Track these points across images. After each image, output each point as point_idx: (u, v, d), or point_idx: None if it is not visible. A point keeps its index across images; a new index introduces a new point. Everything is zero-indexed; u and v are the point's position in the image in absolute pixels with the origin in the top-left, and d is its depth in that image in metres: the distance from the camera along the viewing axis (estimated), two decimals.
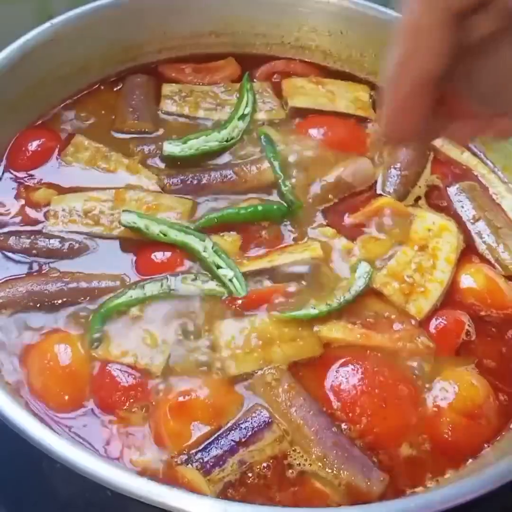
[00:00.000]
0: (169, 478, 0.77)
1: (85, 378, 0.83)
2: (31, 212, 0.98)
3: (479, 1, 0.55)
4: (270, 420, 0.81)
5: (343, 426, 0.82)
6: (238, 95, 1.16)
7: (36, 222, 0.97)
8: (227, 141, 1.08)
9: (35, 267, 0.93)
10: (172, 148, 1.05)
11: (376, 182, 1.07)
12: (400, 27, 0.57)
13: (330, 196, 1.04)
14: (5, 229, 0.96)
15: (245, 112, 1.12)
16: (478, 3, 0.55)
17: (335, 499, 0.77)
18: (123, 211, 0.96)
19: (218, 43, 1.24)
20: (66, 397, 0.82)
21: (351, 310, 0.92)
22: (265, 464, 0.79)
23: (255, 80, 1.21)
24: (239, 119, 1.10)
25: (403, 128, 0.62)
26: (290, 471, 0.79)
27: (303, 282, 0.94)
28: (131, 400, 0.82)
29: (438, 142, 1.14)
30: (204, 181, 1.03)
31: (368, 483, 0.78)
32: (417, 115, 0.60)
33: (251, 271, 0.93)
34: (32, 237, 0.94)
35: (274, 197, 1.03)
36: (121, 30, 1.17)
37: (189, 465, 0.77)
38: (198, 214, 1.00)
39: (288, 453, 0.80)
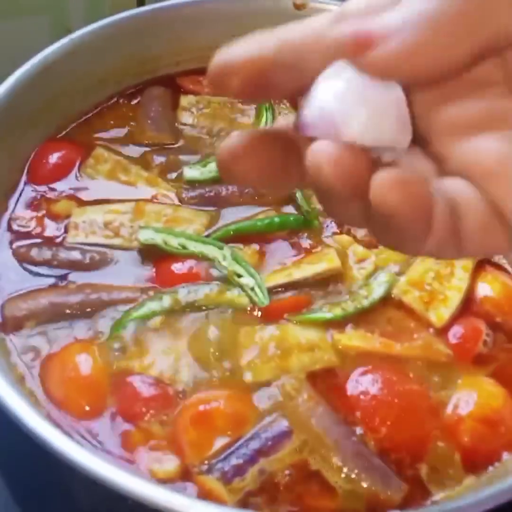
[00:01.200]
0: (190, 488, 0.77)
1: (106, 389, 0.84)
2: (52, 224, 0.99)
3: None
4: (289, 429, 0.82)
5: (363, 435, 0.83)
6: (256, 107, 1.17)
7: (56, 234, 0.98)
8: None
9: (57, 279, 0.94)
10: (192, 173, 1.06)
11: None
12: None
13: None
14: (27, 242, 0.97)
15: None
16: None
17: (354, 507, 0.78)
18: (140, 228, 0.97)
19: None
20: (87, 408, 0.83)
21: (369, 318, 0.93)
22: (285, 473, 0.79)
23: None
24: None
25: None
26: (310, 480, 0.80)
27: (322, 292, 0.95)
28: (152, 411, 0.83)
29: None
30: (222, 194, 1.04)
31: (388, 492, 0.78)
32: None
33: (271, 286, 0.94)
34: (53, 249, 0.96)
35: (291, 209, 1.04)
36: (139, 43, 1.18)
37: (210, 475, 0.78)
38: (216, 227, 1.01)
39: (308, 462, 0.81)
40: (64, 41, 1.09)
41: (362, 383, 0.86)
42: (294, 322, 0.91)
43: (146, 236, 0.96)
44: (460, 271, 0.98)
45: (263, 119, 1.14)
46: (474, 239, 0.45)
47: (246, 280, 0.93)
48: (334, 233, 1.01)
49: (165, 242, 0.96)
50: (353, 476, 0.79)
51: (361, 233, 1.01)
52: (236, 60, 0.47)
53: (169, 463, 0.80)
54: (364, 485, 0.79)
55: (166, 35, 1.19)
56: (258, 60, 0.47)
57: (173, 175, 1.07)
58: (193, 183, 1.05)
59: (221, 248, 0.96)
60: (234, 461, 0.79)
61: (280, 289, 0.94)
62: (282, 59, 0.47)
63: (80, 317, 0.90)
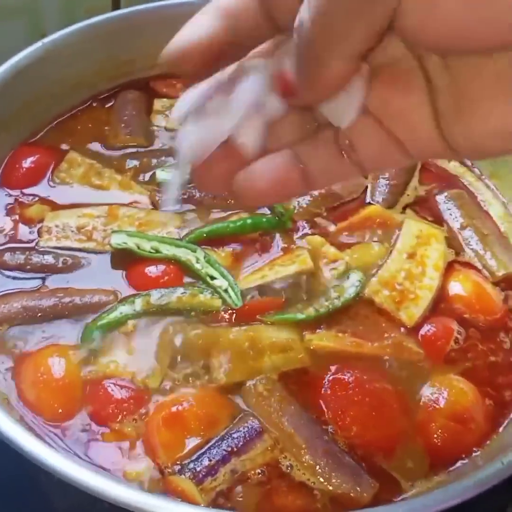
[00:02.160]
0: (163, 488, 0.78)
1: (78, 391, 0.84)
2: (25, 229, 0.99)
3: None
4: (261, 429, 0.82)
5: (334, 433, 0.84)
6: None
7: (29, 238, 0.99)
8: None
9: (29, 282, 0.94)
10: (165, 175, 1.06)
11: (365, 191, 1.09)
12: None
13: (319, 206, 1.05)
14: (0, 246, 0.98)
15: None
16: None
17: (325, 506, 0.78)
18: (113, 232, 0.97)
19: None
20: (60, 410, 0.83)
21: (341, 319, 0.94)
22: (256, 472, 0.80)
23: None
24: None
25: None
26: (281, 478, 0.80)
27: (294, 293, 0.95)
28: (125, 413, 0.83)
29: None
30: (196, 197, 1.04)
31: (359, 490, 0.79)
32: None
33: (244, 289, 0.95)
34: (26, 253, 0.96)
35: (265, 210, 1.04)
36: (113, 48, 1.18)
37: (182, 475, 0.78)
38: (189, 229, 1.01)
39: (279, 461, 0.81)
40: (36, 45, 1.09)
41: (333, 383, 0.87)
42: (267, 323, 0.92)
43: (119, 240, 0.97)
44: (431, 270, 0.99)
45: None
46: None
47: (220, 282, 0.94)
48: (306, 235, 1.02)
49: (138, 246, 0.96)
50: (324, 474, 0.80)
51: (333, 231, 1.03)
52: (189, 47, 0.51)
53: (142, 464, 0.80)
54: (335, 483, 0.80)
55: (139, 38, 1.20)
56: (208, 44, 0.49)
57: (146, 177, 1.08)
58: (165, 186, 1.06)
59: (194, 250, 0.96)
60: (206, 461, 0.79)
61: (253, 291, 0.95)
62: (231, 38, 0.49)
63: (53, 321, 0.90)
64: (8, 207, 1.02)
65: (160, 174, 1.07)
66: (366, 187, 1.09)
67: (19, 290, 0.93)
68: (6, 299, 0.92)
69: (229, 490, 0.79)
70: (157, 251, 0.96)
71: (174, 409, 0.83)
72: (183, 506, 0.71)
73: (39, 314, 0.90)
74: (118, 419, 0.83)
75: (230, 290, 0.93)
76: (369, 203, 1.07)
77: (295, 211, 1.04)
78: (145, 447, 0.81)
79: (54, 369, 0.85)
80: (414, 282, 0.97)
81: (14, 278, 0.95)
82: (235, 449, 0.81)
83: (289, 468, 0.81)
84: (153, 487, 0.78)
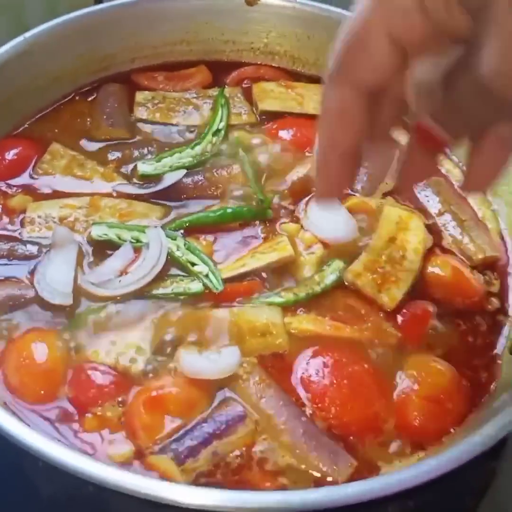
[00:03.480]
0: (144, 469, 0.79)
1: (61, 376, 0.86)
2: (8, 219, 1.01)
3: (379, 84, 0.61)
4: (243, 414, 0.84)
5: (312, 414, 0.85)
6: (211, 104, 1.19)
7: (12, 228, 1.00)
8: (201, 156, 1.10)
9: (14, 272, 0.95)
10: (146, 167, 1.07)
11: None
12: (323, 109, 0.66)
13: (298, 193, 1.06)
14: None
15: (219, 127, 1.14)
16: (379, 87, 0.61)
17: (303, 484, 0.80)
18: (93, 224, 0.99)
19: (189, 51, 1.27)
20: (42, 392, 0.84)
21: (321, 304, 0.95)
22: (235, 454, 0.82)
23: (226, 86, 1.24)
24: (213, 135, 1.13)
25: (331, 190, 0.72)
26: (260, 459, 0.82)
27: (275, 277, 0.97)
28: (106, 398, 0.84)
29: (404, 139, 1.17)
30: (177, 187, 1.06)
31: (335, 468, 0.80)
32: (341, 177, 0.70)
33: (227, 277, 0.96)
34: (10, 244, 0.97)
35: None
36: (94, 41, 1.20)
37: (164, 454, 0.79)
38: (170, 218, 1.03)
39: (259, 442, 0.83)
40: (18, 40, 1.11)
41: (312, 365, 0.88)
42: (248, 306, 0.93)
43: (99, 231, 0.98)
44: (411, 254, 1.00)
45: (219, 114, 1.16)
46: None
47: (200, 268, 0.96)
48: (283, 223, 1.04)
49: (118, 237, 0.98)
50: (302, 454, 0.82)
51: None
52: None
53: (124, 446, 0.81)
54: (314, 462, 0.81)
55: (120, 32, 1.22)
56: None
57: (128, 169, 1.09)
58: (147, 178, 1.07)
59: (174, 238, 0.98)
60: (188, 442, 0.81)
61: (235, 279, 0.97)
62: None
63: (37, 308, 0.92)
64: None
65: (141, 166, 1.08)
66: None
67: (4, 278, 0.95)
68: None
69: (209, 471, 0.80)
70: (137, 240, 0.98)
71: (154, 393, 0.84)
72: (166, 484, 0.72)
73: (24, 303, 0.92)
74: (100, 404, 0.84)
75: (210, 275, 0.95)
76: (348, 195, 1.08)
77: (280, 199, 1.06)
78: (126, 430, 0.82)
79: (37, 353, 0.86)
80: (395, 265, 0.99)
81: None
82: (217, 432, 0.82)
83: (267, 449, 0.82)
84: (134, 468, 0.80)
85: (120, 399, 0.85)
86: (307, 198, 1.06)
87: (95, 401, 0.84)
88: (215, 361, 0.87)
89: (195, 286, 0.94)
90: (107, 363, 0.87)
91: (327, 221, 1.02)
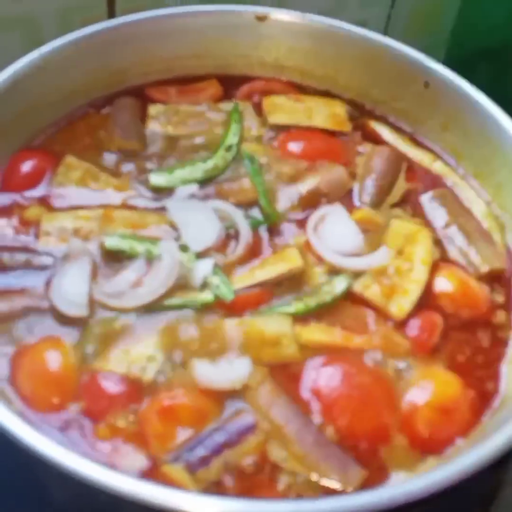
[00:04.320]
0: (156, 478, 0.80)
1: (74, 384, 0.87)
2: (23, 231, 1.02)
3: None
4: (254, 424, 0.85)
5: (323, 424, 0.86)
6: (222, 117, 1.21)
7: (27, 240, 1.01)
8: (212, 171, 1.12)
9: (28, 283, 0.97)
10: (158, 179, 1.09)
11: (351, 190, 1.12)
12: None
13: (305, 204, 1.08)
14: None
15: (233, 142, 1.15)
16: None
17: (314, 494, 0.81)
18: (106, 236, 1.00)
19: (200, 65, 1.29)
20: (54, 400, 0.86)
21: (331, 314, 0.97)
22: (247, 462, 0.83)
23: (236, 99, 1.26)
24: (226, 150, 1.14)
25: None
26: (271, 468, 0.83)
27: (285, 288, 0.99)
28: (118, 407, 0.86)
29: (411, 153, 1.19)
30: None
31: (345, 477, 0.82)
32: None
33: (237, 289, 0.97)
34: (25, 255, 0.99)
35: (256, 211, 1.08)
36: (108, 56, 1.22)
37: (176, 464, 0.81)
38: None
39: (270, 452, 0.84)
40: (33, 54, 1.13)
41: (322, 375, 0.90)
42: (258, 316, 0.95)
43: (112, 243, 1.00)
44: (419, 265, 1.02)
45: (232, 130, 1.17)
46: None
47: (211, 278, 0.97)
48: (295, 235, 1.05)
49: (131, 248, 0.99)
50: (313, 463, 0.83)
51: None
52: None
53: (137, 456, 0.83)
54: (324, 471, 0.82)
55: (134, 47, 1.24)
56: None
57: (141, 181, 1.10)
58: (159, 190, 1.09)
59: (185, 251, 1.00)
60: (200, 451, 0.82)
61: (246, 290, 0.98)
62: None
63: (52, 318, 0.93)
64: (6, 209, 1.05)
65: (153, 178, 1.09)
66: (352, 186, 1.12)
67: (20, 289, 0.96)
68: (8, 297, 0.95)
69: (221, 480, 0.81)
70: (150, 252, 0.99)
71: (166, 402, 0.86)
72: (178, 493, 0.73)
73: (38, 313, 0.94)
74: (112, 413, 0.85)
75: (221, 285, 0.96)
76: (355, 207, 1.10)
77: (288, 211, 1.08)
78: (138, 439, 0.84)
79: (50, 361, 0.88)
80: (403, 277, 1.00)
81: (12, 278, 0.97)
82: (228, 442, 0.83)
83: (278, 458, 0.84)
84: (146, 477, 0.81)
85: (132, 408, 0.86)
86: (315, 211, 1.07)
87: (107, 411, 0.85)
88: (226, 372, 0.88)
89: (206, 296, 0.96)
90: (119, 373, 0.88)
91: (335, 235, 1.04)
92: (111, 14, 1.43)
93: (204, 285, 0.97)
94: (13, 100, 1.09)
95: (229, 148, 1.14)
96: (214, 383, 0.88)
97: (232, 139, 1.16)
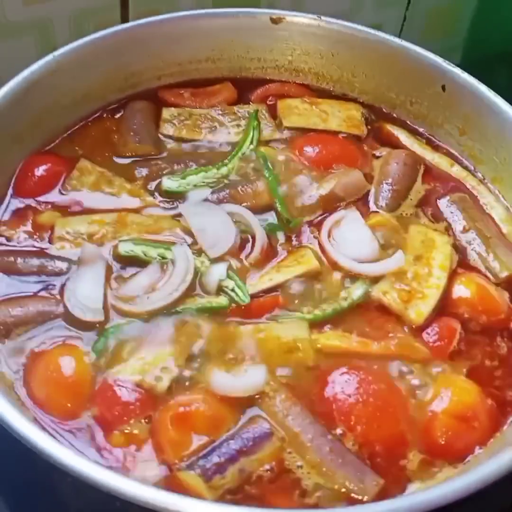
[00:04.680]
0: (171, 485, 0.80)
1: (88, 390, 0.87)
2: (37, 235, 1.02)
3: None
4: (270, 431, 0.84)
5: (339, 433, 0.85)
6: (235, 120, 1.20)
7: (42, 244, 1.01)
8: (226, 178, 1.11)
9: (44, 287, 0.97)
10: (170, 183, 1.09)
11: (367, 194, 1.11)
12: None
13: (321, 208, 1.07)
14: (12, 254, 0.99)
15: (248, 149, 1.14)
16: None
17: (330, 503, 0.80)
18: (120, 241, 1.00)
19: (214, 68, 1.29)
20: (69, 406, 0.86)
21: (347, 320, 0.96)
22: (263, 470, 0.82)
23: (251, 102, 1.25)
24: (241, 157, 1.13)
25: None
26: (287, 476, 0.82)
27: (302, 293, 0.98)
28: (132, 414, 0.85)
29: (429, 156, 1.18)
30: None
31: (362, 486, 0.81)
32: None
33: (253, 292, 0.97)
34: (40, 260, 0.98)
35: (272, 214, 1.07)
36: (121, 59, 1.22)
37: (192, 471, 0.80)
38: None
39: (286, 460, 0.83)
40: (47, 58, 1.12)
41: (339, 383, 0.89)
42: (275, 322, 0.94)
43: (126, 248, 0.99)
44: (437, 270, 1.01)
45: (249, 137, 1.16)
46: None
47: (226, 282, 0.97)
48: (309, 238, 1.04)
49: (144, 253, 0.99)
50: (329, 471, 0.82)
51: None
52: None
53: (151, 463, 0.82)
54: (340, 480, 0.81)
55: (147, 51, 1.23)
56: None
57: (154, 185, 1.10)
58: (171, 194, 1.08)
59: (199, 255, 0.99)
60: (215, 459, 0.81)
61: (261, 294, 0.97)
62: None
63: (66, 324, 0.93)
64: (21, 213, 1.05)
65: (166, 182, 1.09)
66: (368, 190, 1.11)
67: (33, 294, 0.96)
68: (21, 302, 0.94)
69: (236, 488, 0.81)
70: (163, 257, 0.99)
71: (181, 409, 0.85)
72: (193, 501, 0.72)
73: (54, 318, 0.93)
74: (126, 420, 0.85)
75: (236, 288, 0.96)
76: (374, 211, 1.09)
77: (304, 213, 1.07)
78: (153, 445, 0.83)
79: (64, 367, 0.88)
80: (421, 282, 0.99)
81: (27, 282, 0.97)
82: (244, 449, 0.83)
83: (294, 466, 0.83)
84: (161, 484, 0.80)
85: (146, 416, 0.85)
86: (330, 217, 1.06)
87: (121, 418, 0.85)
88: (242, 379, 0.87)
89: (221, 301, 0.95)
90: (133, 381, 0.87)
91: (350, 241, 1.03)
92: (125, 18, 1.43)
93: (219, 290, 0.96)
94: (27, 104, 1.09)
95: (244, 155, 1.13)
96: (229, 391, 0.87)
97: (247, 146, 1.15)
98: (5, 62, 1.30)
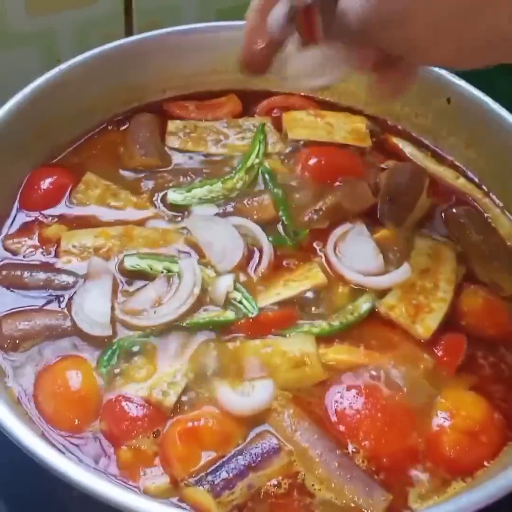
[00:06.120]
0: (179, 501, 0.80)
1: (96, 405, 0.87)
2: (44, 249, 1.02)
3: None
4: (278, 447, 0.84)
5: (347, 448, 0.85)
6: (241, 133, 1.20)
7: (48, 258, 1.01)
8: (231, 192, 1.11)
9: (50, 301, 0.97)
10: (175, 196, 1.09)
11: (373, 206, 1.10)
12: None
13: (327, 221, 1.07)
14: (19, 268, 0.99)
15: (254, 163, 1.14)
16: None
17: None
18: (125, 256, 1.00)
19: (219, 81, 1.28)
20: (76, 421, 0.86)
21: (355, 334, 0.96)
22: (271, 486, 0.82)
23: (256, 115, 1.25)
24: (246, 171, 1.13)
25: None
26: (295, 492, 0.82)
27: (309, 307, 0.98)
28: (140, 430, 0.85)
29: (434, 169, 1.18)
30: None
31: (370, 501, 0.81)
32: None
33: (261, 307, 0.97)
34: (47, 274, 0.98)
35: (279, 227, 1.07)
36: (126, 72, 1.22)
37: (200, 486, 0.80)
38: None
39: (294, 475, 0.83)
40: (53, 71, 1.12)
41: (345, 398, 0.89)
42: (282, 337, 0.94)
43: (132, 262, 0.99)
44: (444, 284, 1.01)
45: (255, 150, 1.16)
46: None
47: (234, 294, 0.97)
48: (316, 252, 1.04)
49: (150, 267, 0.99)
50: (337, 487, 0.82)
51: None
52: None
53: (160, 478, 0.82)
54: (348, 495, 0.81)
55: (152, 64, 1.23)
56: None
57: (159, 198, 1.10)
58: (176, 207, 1.08)
59: (205, 267, 0.99)
60: (224, 474, 0.81)
61: (269, 307, 0.97)
62: None
63: (73, 338, 0.93)
64: (27, 227, 1.05)
65: (171, 195, 1.09)
66: (374, 203, 1.11)
67: (40, 308, 0.96)
68: (28, 316, 0.94)
69: (244, 504, 0.81)
70: (169, 270, 0.99)
71: (189, 424, 0.85)
72: None
73: (61, 333, 0.93)
74: (134, 436, 0.84)
75: (244, 301, 0.96)
76: (378, 224, 1.09)
77: (308, 226, 1.06)
78: (161, 461, 0.83)
79: (71, 381, 0.88)
80: (428, 296, 0.99)
81: (33, 297, 0.97)
82: (253, 465, 0.82)
83: (302, 482, 0.83)
84: (169, 500, 0.80)
85: (154, 431, 0.85)
86: (335, 230, 1.07)
87: (129, 433, 0.85)
88: (249, 396, 0.87)
89: (228, 315, 0.95)
90: (140, 396, 0.87)
91: (356, 255, 1.03)
92: (129, 31, 1.43)
93: (227, 304, 0.96)
94: (33, 116, 1.09)
95: (249, 169, 1.13)
96: (237, 408, 0.86)
97: (253, 160, 1.14)
98: (8, 72, 1.31)
